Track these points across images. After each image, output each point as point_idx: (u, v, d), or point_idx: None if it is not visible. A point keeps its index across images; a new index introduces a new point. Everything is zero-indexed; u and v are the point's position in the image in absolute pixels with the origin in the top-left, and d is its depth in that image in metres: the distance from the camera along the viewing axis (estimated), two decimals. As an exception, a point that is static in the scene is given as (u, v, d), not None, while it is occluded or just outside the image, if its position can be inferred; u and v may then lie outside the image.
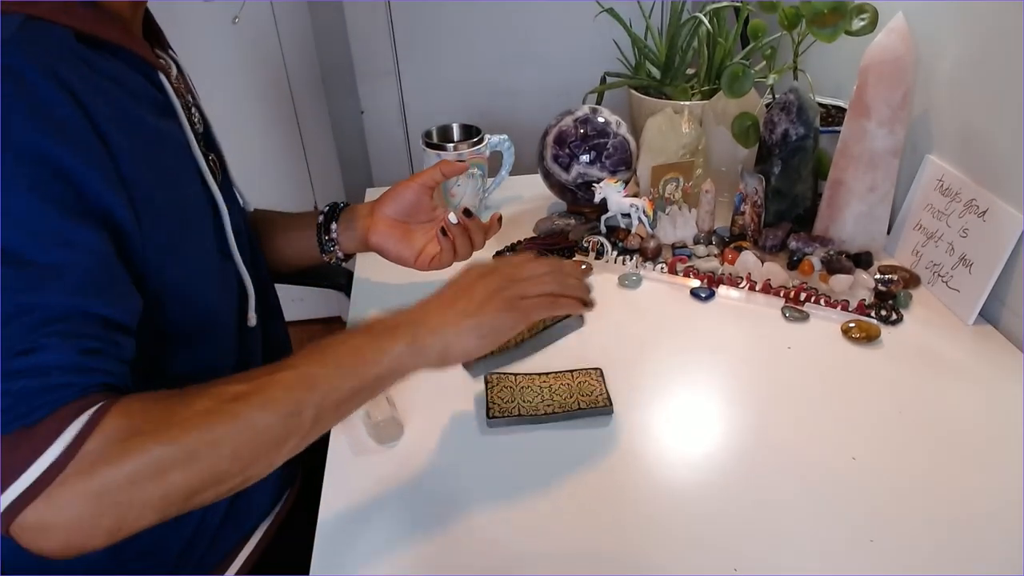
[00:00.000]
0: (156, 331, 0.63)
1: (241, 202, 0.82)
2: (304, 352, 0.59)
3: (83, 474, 0.47)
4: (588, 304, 0.70)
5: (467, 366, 0.82)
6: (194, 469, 0.51)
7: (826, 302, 0.92)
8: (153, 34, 0.72)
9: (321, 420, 0.57)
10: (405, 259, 0.89)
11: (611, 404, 0.76)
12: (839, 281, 0.93)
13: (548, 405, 0.77)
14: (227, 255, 0.73)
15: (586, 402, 0.77)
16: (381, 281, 1.03)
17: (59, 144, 0.52)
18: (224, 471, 0.53)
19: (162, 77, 0.66)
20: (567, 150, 1.09)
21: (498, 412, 0.76)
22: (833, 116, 1.11)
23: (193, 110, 0.73)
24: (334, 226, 0.90)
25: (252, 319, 0.76)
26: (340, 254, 0.92)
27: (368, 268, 1.06)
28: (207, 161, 0.71)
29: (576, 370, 0.81)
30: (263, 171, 2.02)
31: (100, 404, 0.50)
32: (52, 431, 0.48)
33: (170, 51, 0.74)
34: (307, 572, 0.62)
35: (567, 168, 1.09)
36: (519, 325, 0.65)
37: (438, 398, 0.80)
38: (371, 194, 1.30)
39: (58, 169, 0.52)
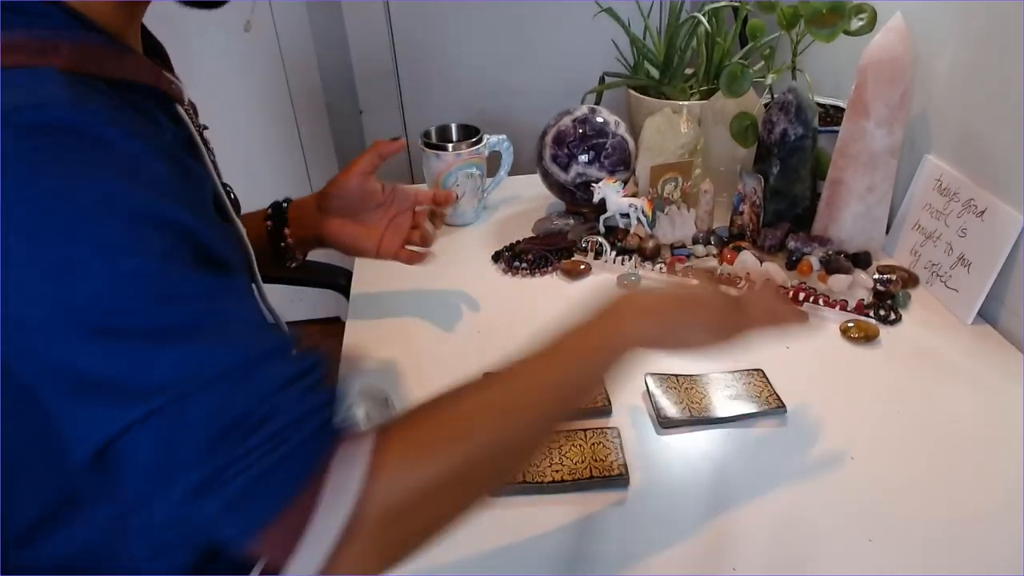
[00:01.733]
0: None
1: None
2: (565, 342, 0.58)
3: (386, 501, 0.46)
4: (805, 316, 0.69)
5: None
6: (488, 477, 0.52)
7: (825, 302, 0.92)
8: (156, 55, 0.64)
9: (569, 410, 0.58)
10: (365, 252, 0.86)
11: (610, 404, 0.75)
12: (838, 281, 0.93)
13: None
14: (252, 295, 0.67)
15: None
16: (381, 281, 1.03)
17: (168, 202, 0.46)
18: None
19: (179, 109, 0.59)
20: (566, 150, 1.09)
21: None
22: (832, 116, 1.11)
23: (206, 136, 0.67)
24: (286, 231, 0.84)
25: None
26: (300, 259, 0.87)
27: (368, 268, 1.05)
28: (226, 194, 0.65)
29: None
30: (262, 171, 2.02)
31: (369, 443, 0.47)
32: (329, 481, 0.45)
33: (173, 71, 0.67)
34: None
35: (566, 168, 1.09)
36: (737, 334, 0.62)
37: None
38: (370, 194, 1.30)
39: (176, 226, 0.46)
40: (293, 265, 0.87)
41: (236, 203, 0.71)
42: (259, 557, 0.46)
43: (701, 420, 0.75)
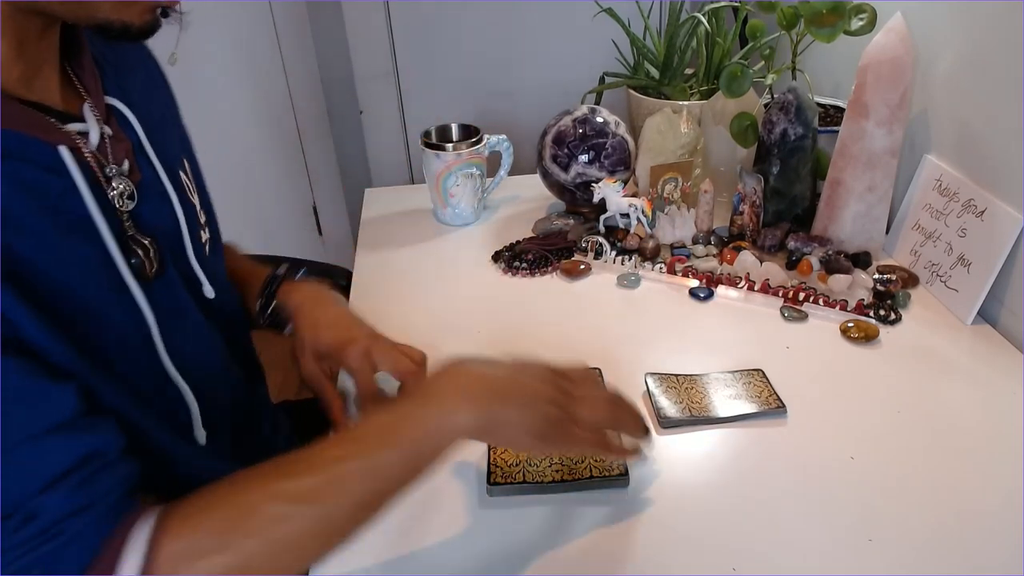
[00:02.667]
0: None
1: (207, 291, 0.69)
2: (371, 427, 0.55)
3: None
4: (636, 454, 0.66)
5: (491, 488, 0.68)
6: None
7: (825, 302, 0.92)
8: (84, 81, 0.59)
9: (387, 503, 0.54)
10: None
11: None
12: (838, 281, 0.93)
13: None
14: (160, 369, 0.61)
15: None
16: (380, 281, 1.03)
17: None
18: (295, 566, 0.51)
19: (64, 154, 0.53)
20: (566, 150, 1.09)
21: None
22: (832, 116, 1.11)
23: (116, 182, 0.58)
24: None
25: (200, 437, 0.66)
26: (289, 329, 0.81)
27: (368, 268, 1.06)
28: (130, 252, 0.58)
29: None
30: (262, 172, 2.02)
31: (149, 529, 0.46)
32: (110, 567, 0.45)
33: (109, 100, 0.61)
34: (306, 572, 0.62)
35: (566, 168, 1.09)
36: (564, 445, 0.61)
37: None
38: (370, 194, 1.30)
39: None
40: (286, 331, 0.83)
41: (148, 259, 0.61)
42: None
43: (701, 420, 0.75)
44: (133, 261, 0.58)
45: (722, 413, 0.75)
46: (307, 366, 0.77)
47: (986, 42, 0.88)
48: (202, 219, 0.71)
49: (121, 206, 0.58)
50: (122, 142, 0.60)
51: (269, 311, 0.81)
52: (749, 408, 0.76)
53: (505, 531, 0.65)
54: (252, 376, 0.83)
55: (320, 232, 2.14)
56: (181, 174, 0.68)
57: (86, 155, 0.56)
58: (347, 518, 0.52)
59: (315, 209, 2.12)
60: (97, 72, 0.61)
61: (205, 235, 0.71)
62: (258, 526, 0.49)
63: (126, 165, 0.60)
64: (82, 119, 0.57)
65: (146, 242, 0.60)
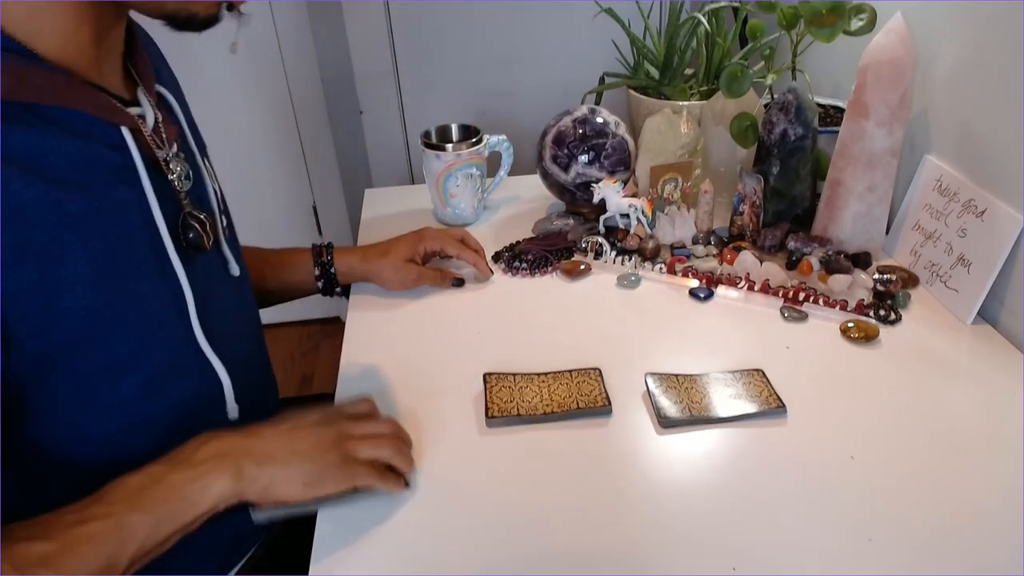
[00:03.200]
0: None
1: (231, 268, 0.73)
2: (118, 489, 0.54)
3: None
4: (407, 484, 0.68)
5: (257, 514, 0.63)
6: None
7: (825, 302, 0.92)
8: (139, 69, 0.64)
9: (135, 566, 0.53)
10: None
11: (610, 404, 0.76)
12: (838, 281, 0.93)
13: (547, 405, 0.77)
14: (194, 344, 0.64)
15: (585, 402, 0.77)
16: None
17: None
18: None
19: (125, 133, 0.58)
20: (566, 150, 1.09)
21: (497, 412, 0.76)
22: (832, 116, 1.11)
23: (173, 164, 0.63)
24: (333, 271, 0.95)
25: (232, 412, 0.68)
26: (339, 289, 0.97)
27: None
28: (183, 226, 0.63)
29: (575, 370, 0.81)
30: (262, 172, 2.02)
31: None
32: None
33: (159, 88, 0.66)
34: (306, 571, 0.62)
35: (566, 168, 1.09)
36: (343, 485, 0.63)
37: (436, 397, 0.80)
38: (370, 195, 1.30)
39: None
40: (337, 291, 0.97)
41: (214, 229, 0.68)
42: None
43: (701, 420, 0.75)
44: (191, 235, 0.63)
45: (722, 413, 0.75)
46: (410, 269, 0.96)
47: (986, 42, 0.88)
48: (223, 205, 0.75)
49: (180, 187, 0.64)
50: (171, 127, 0.65)
51: (331, 274, 0.95)
52: (749, 408, 0.76)
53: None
54: (267, 361, 0.86)
55: (320, 232, 2.14)
56: (206, 161, 0.72)
57: (146, 136, 0.60)
58: None
59: (315, 209, 2.12)
60: (149, 61, 0.66)
61: (224, 220, 0.74)
62: None
63: (175, 148, 0.65)
64: (138, 104, 0.62)
65: (202, 217, 0.65)
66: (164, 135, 0.63)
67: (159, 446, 0.59)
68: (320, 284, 0.95)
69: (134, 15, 0.61)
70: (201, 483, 0.56)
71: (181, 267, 0.62)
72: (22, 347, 0.52)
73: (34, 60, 0.53)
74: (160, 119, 0.63)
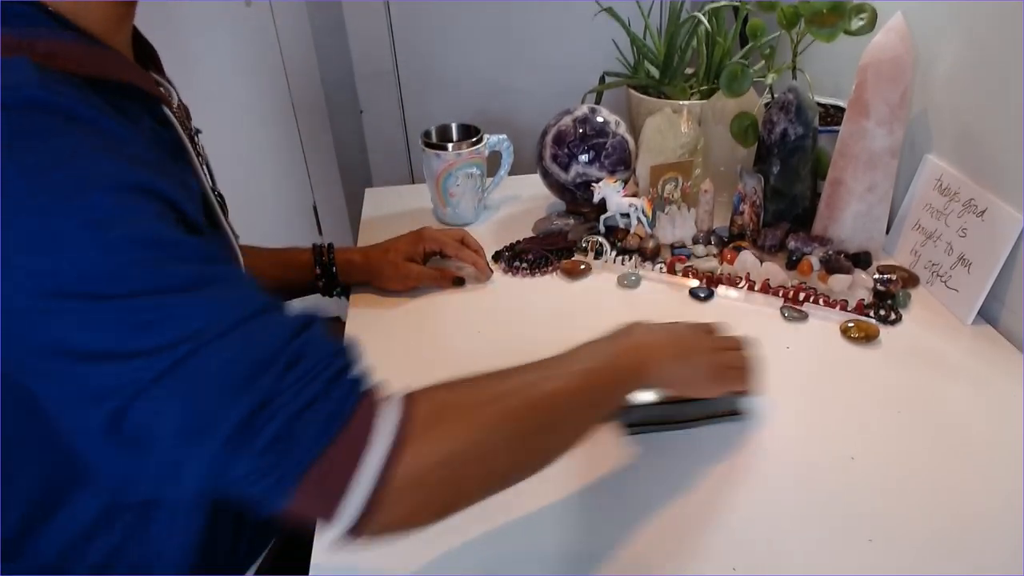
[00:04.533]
0: None
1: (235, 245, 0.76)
2: (582, 352, 0.60)
3: (416, 462, 0.45)
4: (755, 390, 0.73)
5: (628, 411, 0.74)
6: (515, 452, 0.51)
7: (825, 302, 0.92)
8: (147, 56, 0.65)
9: (591, 427, 0.58)
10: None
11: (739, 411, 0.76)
12: (838, 281, 0.93)
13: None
14: None
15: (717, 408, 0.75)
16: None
17: (150, 173, 0.46)
18: (540, 455, 0.54)
19: (167, 111, 0.59)
20: (566, 150, 1.09)
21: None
22: (832, 115, 1.11)
23: (198, 140, 0.66)
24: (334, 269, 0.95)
25: None
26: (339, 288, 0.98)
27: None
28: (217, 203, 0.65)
29: None
30: (262, 171, 2.02)
31: (398, 405, 0.47)
32: (366, 428, 0.45)
33: (165, 75, 0.67)
34: (306, 572, 0.62)
35: (566, 168, 1.09)
36: (717, 390, 0.69)
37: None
38: (370, 194, 1.30)
39: (161, 195, 0.46)
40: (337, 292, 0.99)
41: (224, 209, 0.70)
42: (288, 519, 0.45)
43: (664, 422, 0.74)
44: (218, 194, 0.66)
45: (686, 414, 0.74)
46: (410, 268, 0.97)
47: (986, 41, 0.88)
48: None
49: (204, 162, 0.65)
50: (182, 114, 0.65)
51: (332, 273, 0.96)
52: (713, 408, 0.75)
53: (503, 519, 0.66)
54: None
55: (320, 232, 2.14)
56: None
57: (176, 113, 0.60)
58: (574, 421, 0.56)
59: (315, 209, 2.12)
60: (154, 48, 0.66)
61: None
62: (496, 404, 0.51)
63: (191, 127, 0.66)
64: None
65: (220, 191, 0.68)
66: (186, 113, 0.65)
67: None
68: (320, 284, 0.95)
69: None
70: (649, 363, 0.63)
71: (232, 234, 0.65)
72: None
73: (94, 40, 0.52)
74: (178, 101, 0.65)
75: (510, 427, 0.50)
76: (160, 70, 0.66)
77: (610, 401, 0.60)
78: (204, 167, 0.66)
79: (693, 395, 0.70)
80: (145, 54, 0.64)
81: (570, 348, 0.60)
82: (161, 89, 0.60)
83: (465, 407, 0.49)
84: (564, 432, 0.55)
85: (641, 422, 0.74)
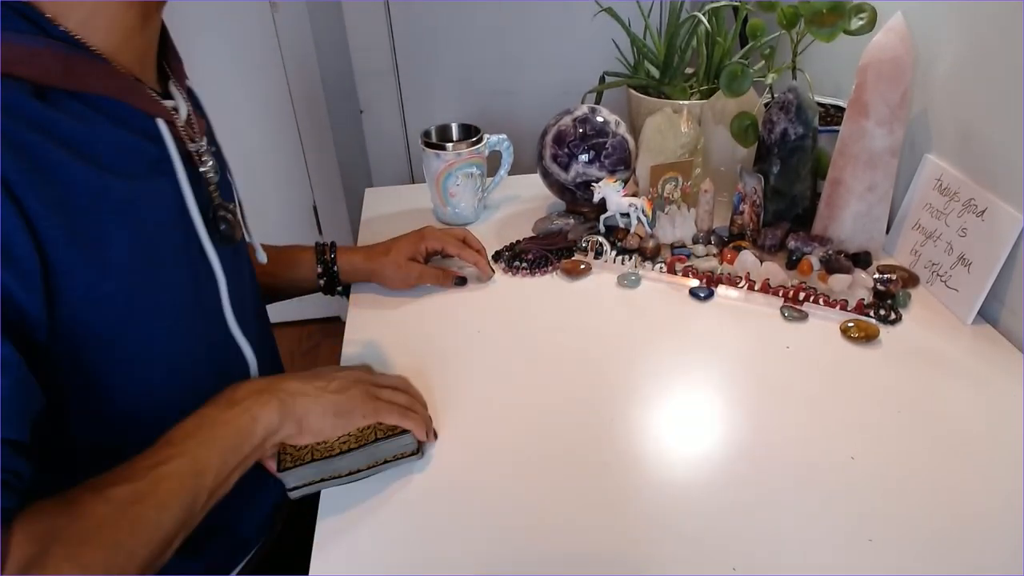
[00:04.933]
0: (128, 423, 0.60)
1: (259, 255, 0.77)
2: (184, 431, 0.57)
3: None
4: (428, 434, 0.71)
5: (285, 476, 0.65)
6: None
7: (825, 302, 0.92)
8: (170, 63, 0.65)
9: (211, 502, 0.57)
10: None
11: (420, 448, 0.71)
12: (838, 281, 0.93)
13: (344, 443, 0.67)
14: (225, 329, 0.68)
15: (383, 431, 0.68)
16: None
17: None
18: (131, 570, 0.51)
19: (161, 126, 0.59)
20: (566, 150, 1.09)
21: (290, 462, 0.65)
22: (832, 115, 1.11)
23: (205, 157, 0.65)
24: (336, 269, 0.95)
25: None
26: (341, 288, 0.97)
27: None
28: (214, 217, 0.65)
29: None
30: (262, 171, 2.02)
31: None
32: None
33: (188, 82, 0.67)
34: (306, 572, 0.62)
35: (566, 168, 1.09)
36: (370, 417, 0.67)
37: (436, 397, 0.80)
38: (370, 194, 1.30)
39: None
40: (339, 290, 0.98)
41: (234, 224, 0.69)
42: None
43: (334, 476, 0.67)
44: (223, 227, 0.66)
45: (346, 448, 0.67)
46: (412, 267, 0.96)
47: (986, 41, 0.88)
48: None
49: (211, 179, 0.66)
50: (200, 120, 0.66)
51: (333, 272, 0.95)
52: (375, 437, 0.68)
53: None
54: (276, 350, 0.88)
55: (320, 232, 2.14)
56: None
57: (179, 129, 0.62)
58: (178, 519, 0.54)
59: (315, 209, 2.12)
60: (180, 57, 0.67)
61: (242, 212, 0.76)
62: (92, 530, 0.49)
63: (204, 141, 0.66)
64: (170, 97, 0.62)
65: (231, 207, 0.67)
66: (195, 128, 0.65)
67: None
68: (322, 282, 0.95)
69: None
70: (250, 415, 0.60)
71: (215, 255, 0.65)
72: (68, 331, 0.53)
73: (81, 49, 0.54)
74: (191, 112, 0.65)
75: (116, 564, 0.50)
76: (181, 78, 0.66)
77: (227, 474, 0.58)
78: (211, 183, 0.65)
79: (344, 428, 0.66)
80: (170, 62, 0.65)
81: (175, 429, 0.57)
82: (166, 104, 0.61)
83: (66, 545, 0.48)
84: (167, 539, 0.54)
85: (304, 483, 0.66)
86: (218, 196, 0.66)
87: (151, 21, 0.59)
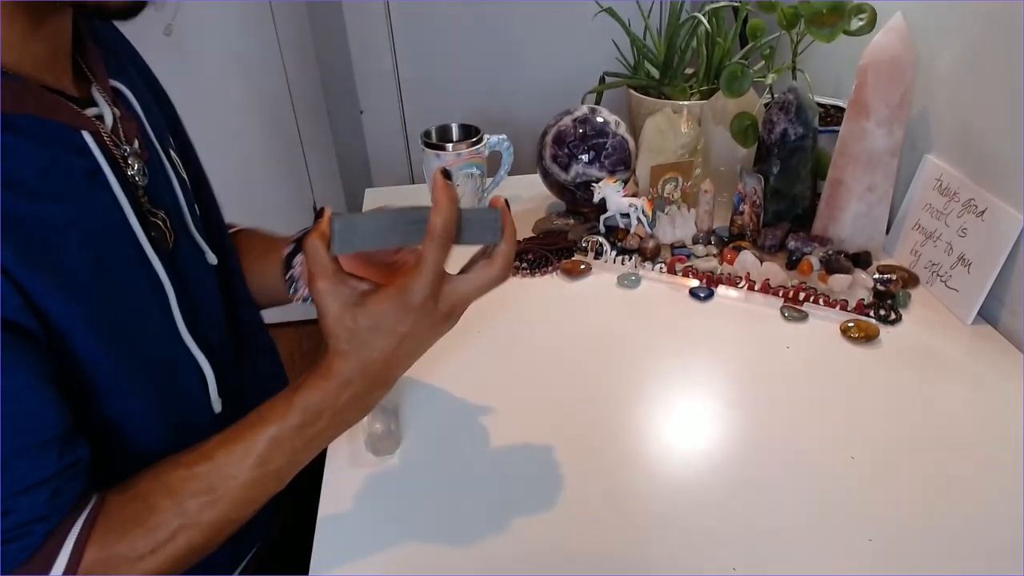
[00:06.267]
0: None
1: (210, 258, 0.71)
2: (278, 404, 0.61)
3: None
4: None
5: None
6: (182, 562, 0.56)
7: (825, 302, 0.92)
8: (90, 65, 0.61)
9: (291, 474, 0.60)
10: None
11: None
12: (838, 281, 0.93)
13: None
14: (176, 339, 0.64)
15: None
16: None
17: None
18: (207, 548, 0.58)
19: (87, 137, 0.56)
20: (566, 150, 1.09)
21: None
22: (832, 116, 1.11)
23: (131, 160, 0.61)
24: (297, 260, 0.79)
25: (216, 405, 0.68)
26: (304, 294, 0.79)
27: (367, 268, 1.05)
28: (150, 225, 0.62)
29: None
30: (263, 172, 2.02)
31: (74, 541, 0.51)
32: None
33: (113, 82, 0.63)
34: (306, 572, 0.62)
35: (566, 168, 1.09)
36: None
37: (435, 396, 0.80)
38: (370, 195, 1.30)
39: None
40: (299, 301, 0.81)
41: (165, 231, 0.65)
42: None
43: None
44: (153, 234, 0.61)
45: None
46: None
47: (986, 41, 0.88)
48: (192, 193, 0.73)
49: (139, 183, 0.61)
50: (129, 122, 0.62)
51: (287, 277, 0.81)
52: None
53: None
54: (263, 348, 0.85)
55: (320, 232, 2.14)
56: (170, 151, 0.70)
57: (105, 138, 0.58)
58: (251, 498, 0.59)
59: (315, 209, 2.12)
60: (100, 56, 0.63)
61: (198, 210, 0.72)
62: (166, 534, 0.54)
63: (136, 144, 0.62)
64: (93, 103, 0.59)
65: (161, 214, 0.63)
66: (123, 132, 0.61)
67: (146, 438, 0.61)
68: (287, 250, 0.87)
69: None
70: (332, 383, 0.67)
71: (159, 262, 0.61)
72: (58, 358, 0.54)
73: None
74: (118, 115, 0.61)
75: (188, 559, 0.56)
76: (106, 76, 0.62)
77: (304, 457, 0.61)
78: (139, 187, 0.61)
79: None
80: (90, 64, 0.61)
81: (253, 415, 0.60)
82: (86, 113, 0.57)
83: (133, 559, 0.53)
84: (249, 508, 0.60)
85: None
86: (146, 202, 0.62)
87: (47, 23, 0.55)
